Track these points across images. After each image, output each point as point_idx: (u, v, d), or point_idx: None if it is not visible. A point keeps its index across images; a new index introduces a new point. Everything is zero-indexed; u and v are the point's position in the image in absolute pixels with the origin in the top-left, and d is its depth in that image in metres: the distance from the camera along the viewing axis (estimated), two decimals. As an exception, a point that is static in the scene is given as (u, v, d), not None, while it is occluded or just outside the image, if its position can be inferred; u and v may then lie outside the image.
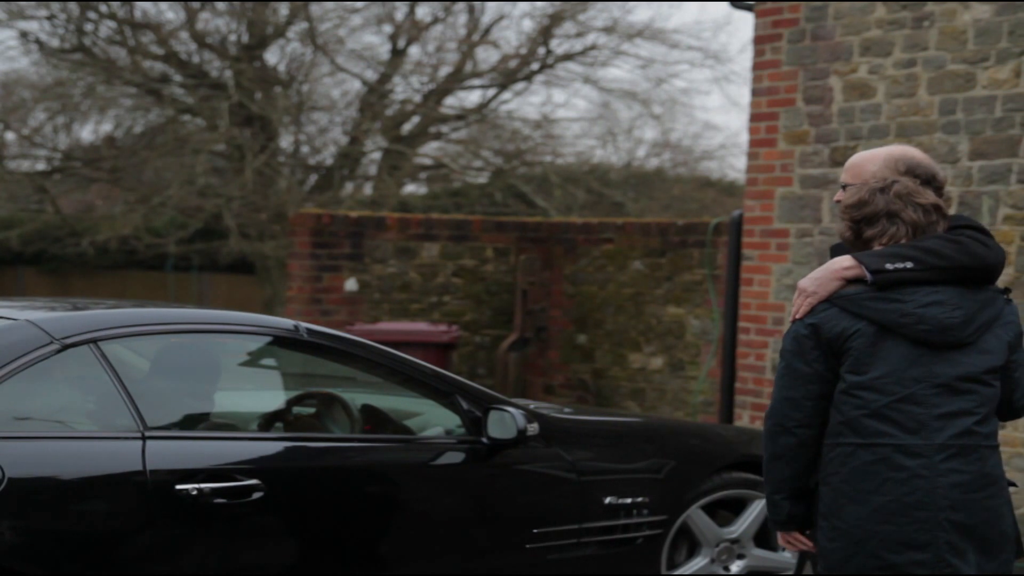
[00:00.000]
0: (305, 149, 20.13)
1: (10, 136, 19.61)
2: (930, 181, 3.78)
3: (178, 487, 4.11)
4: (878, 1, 7.72)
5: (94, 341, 4.21)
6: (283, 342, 4.79)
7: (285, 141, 19.64)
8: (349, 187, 20.30)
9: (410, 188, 21.68)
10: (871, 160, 3.83)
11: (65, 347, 4.16)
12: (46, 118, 19.58)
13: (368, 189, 20.52)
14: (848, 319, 3.49)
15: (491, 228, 10.93)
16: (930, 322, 3.45)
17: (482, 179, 20.57)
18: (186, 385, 4.69)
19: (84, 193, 21.53)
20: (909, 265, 3.49)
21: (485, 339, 10.83)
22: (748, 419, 8.49)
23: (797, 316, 3.55)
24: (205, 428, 4.54)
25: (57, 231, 19.87)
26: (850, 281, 3.53)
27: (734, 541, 5.52)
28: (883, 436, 3.44)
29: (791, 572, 5.68)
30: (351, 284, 10.27)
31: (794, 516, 3.63)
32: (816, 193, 8.05)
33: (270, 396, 5.11)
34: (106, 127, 20.24)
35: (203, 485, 4.14)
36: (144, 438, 4.12)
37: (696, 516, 5.37)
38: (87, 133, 20.95)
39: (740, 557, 5.56)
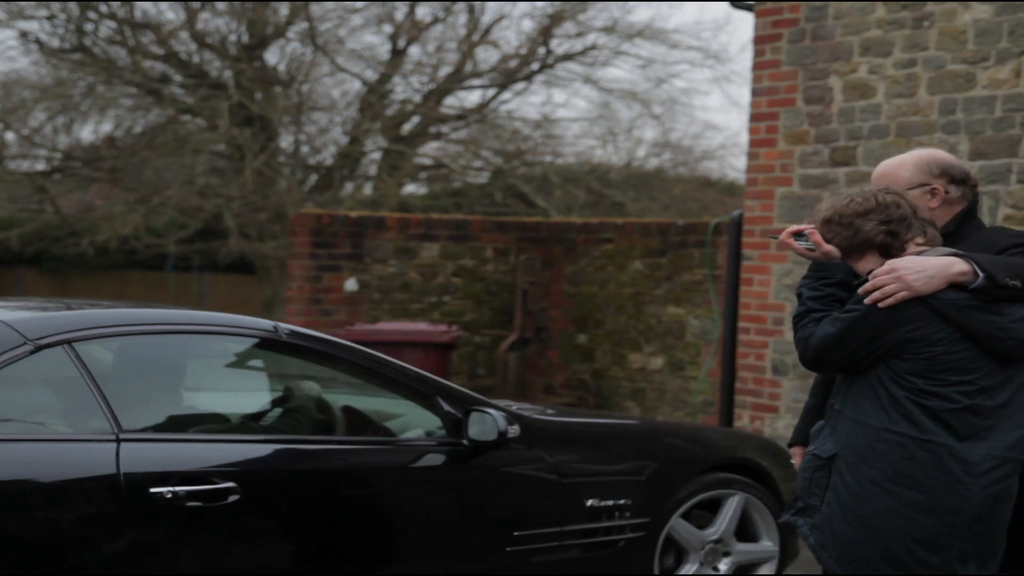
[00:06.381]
0: (305, 149, 20.16)
1: (10, 136, 19.62)
2: (964, 180, 3.82)
3: (152, 490, 4.04)
4: (878, 1, 7.72)
5: (68, 342, 4.13)
6: (262, 343, 4.70)
7: (285, 141, 19.65)
8: (349, 187, 20.31)
9: (410, 188, 21.69)
10: (901, 166, 3.83)
11: (39, 348, 4.08)
12: (46, 118, 19.58)
13: (368, 189, 20.53)
14: (934, 325, 3.46)
15: (491, 228, 10.93)
16: (1018, 337, 3.49)
17: (482, 179, 20.58)
18: (162, 387, 4.60)
19: (84, 193, 21.53)
20: (1019, 284, 3.48)
21: (485, 339, 10.83)
22: (748, 419, 8.49)
23: (882, 304, 3.47)
24: (181, 430, 4.44)
25: (57, 231, 19.87)
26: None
27: (717, 541, 5.53)
28: (940, 435, 3.46)
29: (775, 559, 5.70)
30: (351, 284, 10.27)
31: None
32: (816, 193, 8.05)
33: (248, 398, 5.01)
34: (106, 127, 20.28)
35: (178, 488, 4.07)
36: (119, 440, 4.05)
37: (677, 525, 5.37)
38: (87, 133, 20.99)
39: (726, 555, 5.57)
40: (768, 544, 5.68)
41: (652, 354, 10.19)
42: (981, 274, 3.47)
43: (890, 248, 3.60)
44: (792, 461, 4.26)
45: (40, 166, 19.96)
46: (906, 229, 3.60)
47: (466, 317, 10.72)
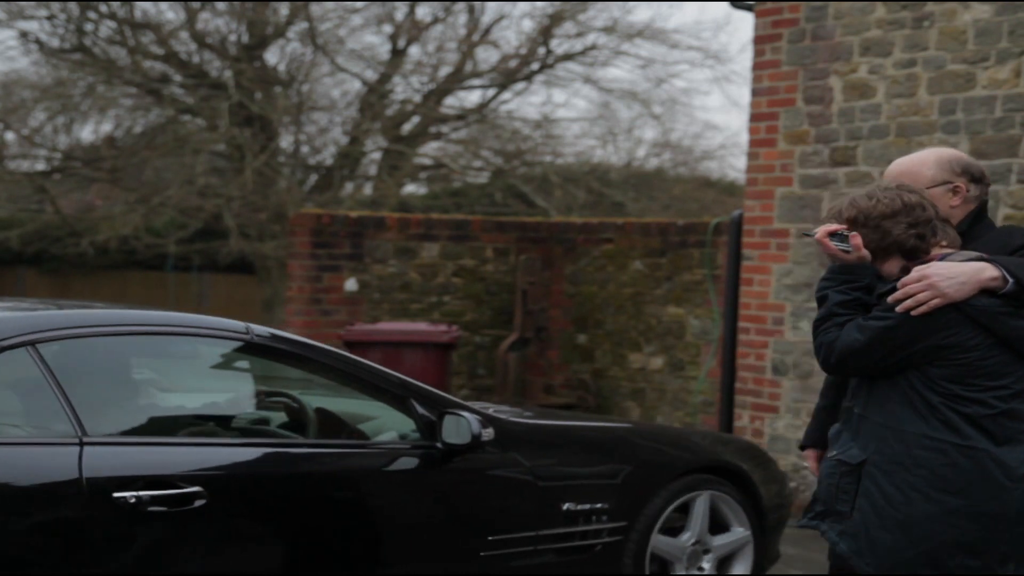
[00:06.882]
0: (305, 149, 20.16)
1: (10, 136, 19.63)
2: (981, 179, 3.81)
3: (116, 495, 3.93)
4: (878, 1, 7.72)
5: (32, 343, 4.03)
6: (233, 345, 4.59)
7: (285, 141, 19.66)
8: (349, 187, 20.31)
9: (410, 188, 21.70)
10: (923, 164, 3.81)
11: (1, 349, 3.98)
12: (46, 118, 19.59)
13: (368, 189, 20.54)
14: (968, 331, 3.43)
15: (491, 228, 10.93)
16: None
17: (482, 179, 20.59)
18: (128, 389, 4.51)
19: (84, 193, 21.55)
20: None
21: (485, 339, 10.83)
22: (748, 419, 8.49)
23: (915, 312, 3.41)
24: (147, 434, 4.33)
25: (57, 231, 19.88)
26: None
27: (695, 543, 5.52)
28: (979, 441, 3.43)
29: (750, 543, 5.71)
30: (351, 284, 10.27)
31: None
32: (816, 193, 8.05)
33: (218, 400, 4.89)
34: (106, 127, 20.29)
35: (142, 493, 3.97)
36: (82, 444, 3.94)
37: (657, 542, 5.34)
38: (87, 133, 21.00)
39: (706, 552, 5.56)
40: (740, 530, 5.67)
41: (652, 354, 10.20)
42: (1011, 280, 3.43)
43: (917, 251, 3.54)
44: (806, 464, 4.23)
45: (40, 166, 19.97)
46: (931, 232, 3.55)
47: (466, 317, 10.72)
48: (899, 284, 3.46)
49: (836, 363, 3.55)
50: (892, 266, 3.57)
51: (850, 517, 3.54)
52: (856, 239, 3.55)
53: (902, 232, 3.53)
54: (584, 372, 10.64)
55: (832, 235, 3.59)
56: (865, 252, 3.56)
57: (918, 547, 3.44)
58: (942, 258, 3.51)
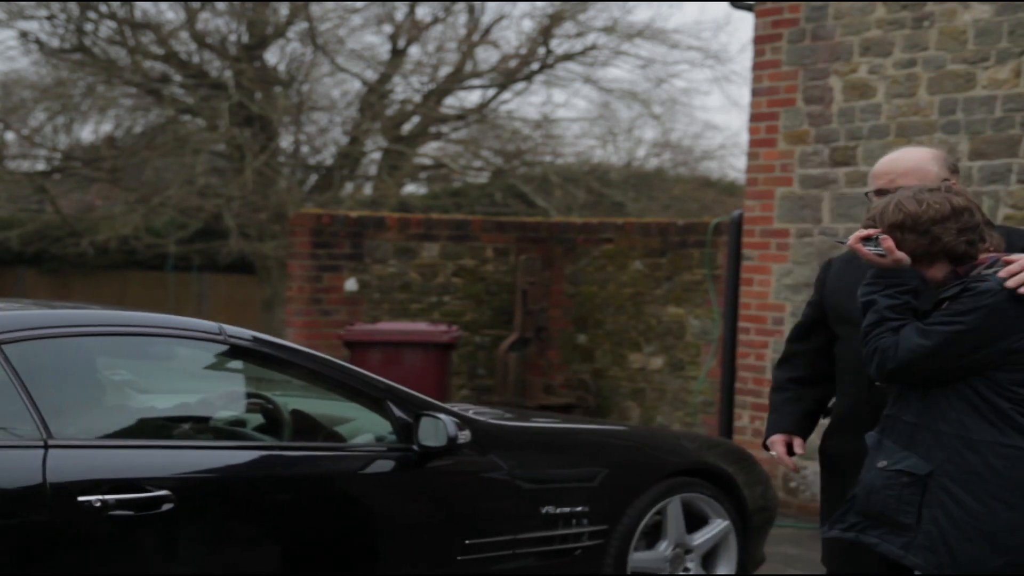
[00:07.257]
0: (305, 149, 20.16)
1: (10, 136, 19.63)
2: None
3: (80, 499, 3.85)
4: (878, 1, 7.72)
5: None
6: (205, 345, 4.50)
7: (285, 141, 19.65)
8: (349, 187, 20.31)
9: (410, 188, 21.69)
10: (925, 161, 3.81)
11: None
12: (46, 118, 19.59)
13: (368, 189, 20.53)
14: None
15: (491, 228, 10.92)
16: None
17: (482, 179, 20.59)
18: (96, 391, 4.42)
19: (84, 193, 21.54)
20: None
21: (485, 339, 10.83)
22: (748, 419, 8.49)
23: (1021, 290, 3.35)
24: (114, 436, 4.24)
25: (57, 231, 19.87)
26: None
27: (675, 547, 5.48)
28: None
29: (732, 532, 5.64)
30: (351, 284, 10.27)
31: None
32: (816, 193, 8.05)
33: (189, 402, 4.79)
34: (106, 127, 20.28)
35: (108, 497, 3.89)
36: (47, 447, 3.87)
37: (635, 560, 5.28)
38: (87, 133, 20.98)
39: (688, 552, 5.51)
40: (718, 520, 5.60)
41: (652, 354, 10.19)
42: None
43: (966, 257, 3.47)
44: (772, 453, 4.14)
45: (40, 166, 19.97)
46: (980, 238, 3.47)
47: (466, 317, 10.72)
48: (1006, 263, 3.39)
49: (895, 369, 3.43)
50: (938, 271, 3.50)
51: (915, 529, 3.45)
52: (887, 242, 3.46)
53: (952, 239, 3.45)
54: (584, 372, 10.64)
55: (865, 240, 3.51)
56: (899, 255, 3.46)
57: (1004, 556, 3.38)
58: (993, 260, 3.45)
